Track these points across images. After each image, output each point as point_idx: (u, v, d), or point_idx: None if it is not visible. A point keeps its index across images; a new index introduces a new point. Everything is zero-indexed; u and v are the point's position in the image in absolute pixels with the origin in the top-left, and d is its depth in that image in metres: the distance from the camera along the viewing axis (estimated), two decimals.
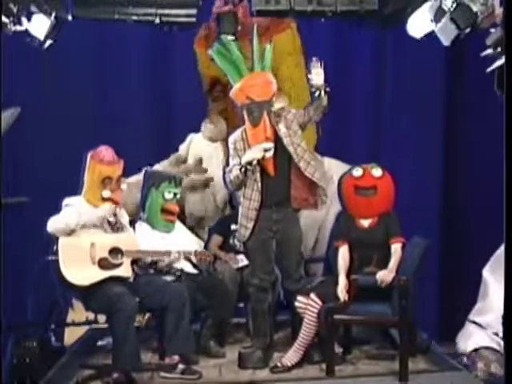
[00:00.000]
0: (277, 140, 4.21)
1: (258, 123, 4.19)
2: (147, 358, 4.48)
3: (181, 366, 4.09)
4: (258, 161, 4.19)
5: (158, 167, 5.35)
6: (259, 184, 4.24)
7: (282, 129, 4.23)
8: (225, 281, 4.67)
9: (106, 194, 4.18)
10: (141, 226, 4.65)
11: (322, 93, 4.14)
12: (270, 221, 4.26)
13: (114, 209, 4.23)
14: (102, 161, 4.19)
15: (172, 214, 4.71)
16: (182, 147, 5.64)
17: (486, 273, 4.80)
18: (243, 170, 4.19)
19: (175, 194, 4.71)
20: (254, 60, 4.24)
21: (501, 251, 4.75)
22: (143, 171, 4.92)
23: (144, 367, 4.18)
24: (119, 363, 3.97)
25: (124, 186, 4.30)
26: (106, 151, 4.23)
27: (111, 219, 4.26)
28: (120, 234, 4.24)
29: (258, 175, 4.24)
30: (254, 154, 4.19)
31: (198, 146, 5.59)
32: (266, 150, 4.17)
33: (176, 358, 4.11)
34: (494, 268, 4.74)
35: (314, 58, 4.24)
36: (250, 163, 4.17)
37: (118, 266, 4.12)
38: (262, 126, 4.19)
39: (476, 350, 4.51)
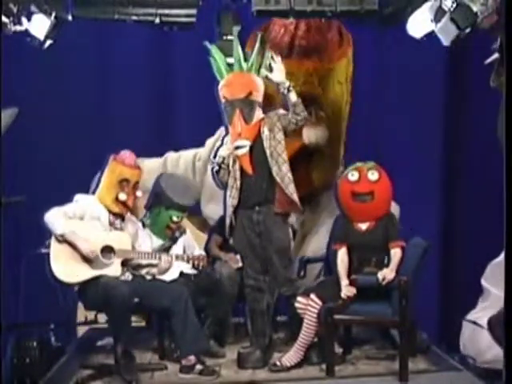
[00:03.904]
0: (258, 140, 4.25)
1: (232, 121, 4.26)
2: (147, 357, 4.50)
3: (198, 367, 4.11)
4: (236, 159, 4.24)
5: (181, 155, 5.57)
6: (238, 182, 4.27)
7: (265, 131, 4.27)
8: (222, 280, 4.66)
9: (123, 196, 4.24)
10: (143, 230, 4.63)
11: (286, 91, 4.19)
12: (251, 222, 4.27)
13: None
14: (123, 162, 4.32)
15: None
16: (208, 142, 5.66)
17: (484, 282, 4.81)
18: (216, 167, 4.28)
19: (183, 218, 4.70)
20: (234, 61, 4.34)
21: (496, 261, 4.77)
22: (159, 175, 4.89)
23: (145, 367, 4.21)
24: (120, 342, 4.04)
25: (139, 194, 4.33)
26: (129, 154, 4.36)
27: (116, 221, 4.28)
28: (114, 233, 4.25)
29: (237, 173, 4.28)
30: (222, 151, 4.33)
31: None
32: (238, 148, 4.20)
33: (192, 358, 4.12)
34: (491, 276, 4.75)
35: (272, 54, 4.30)
36: (223, 161, 4.26)
37: (109, 265, 4.14)
38: (234, 124, 4.25)
39: None
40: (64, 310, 5.13)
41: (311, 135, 5.18)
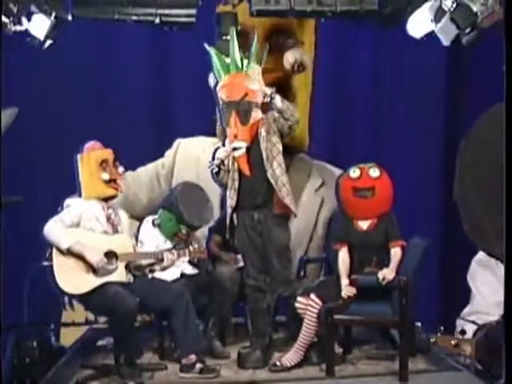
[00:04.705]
0: (256, 141, 4.26)
1: (229, 122, 4.26)
2: (147, 358, 4.49)
3: (198, 366, 4.10)
4: (234, 160, 4.25)
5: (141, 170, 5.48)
6: (236, 183, 4.28)
7: (262, 132, 4.28)
8: (223, 280, 4.66)
9: (106, 176, 4.24)
10: (152, 228, 4.64)
11: (269, 98, 4.19)
12: (252, 220, 4.28)
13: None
14: (93, 149, 4.31)
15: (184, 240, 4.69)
16: (168, 153, 5.65)
17: (468, 278, 4.84)
18: (216, 169, 4.27)
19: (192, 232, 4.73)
20: (231, 62, 4.32)
21: (477, 257, 4.79)
22: (179, 183, 4.90)
23: (145, 367, 4.21)
24: (123, 350, 4.04)
25: (122, 169, 4.35)
26: (94, 142, 4.35)
27: (113, 217, 4.28)
28: (114, 236, 4.24)
29: (235, 174, 4.29)
30: (220, 153, 4.31)
31: (186, 151, 5.59)
32: (235, 149, 4.20)
33: (193, 357, 4.11)
34: (472, 273, 4.78)
35: (256, 66, 4.31)
36: (222, 163, 4.26)
37: (113, 271, 4.13)
38: (230, 125, 4.25)
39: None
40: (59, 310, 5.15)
41: (295, 53, 5.05)
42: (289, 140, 5.07)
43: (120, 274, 4.14)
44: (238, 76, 4.31)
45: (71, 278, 4.05)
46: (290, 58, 5.05)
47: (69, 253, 4.04)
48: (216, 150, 4.49)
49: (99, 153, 4.29)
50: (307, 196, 5.46)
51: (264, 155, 4.24)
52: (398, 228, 4.31)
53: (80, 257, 4.05)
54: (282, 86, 5.07)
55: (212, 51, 4.39)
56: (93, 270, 4.07)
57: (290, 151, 5.34)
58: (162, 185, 5.62)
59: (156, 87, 6.15)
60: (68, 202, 4.25)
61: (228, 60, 4.36)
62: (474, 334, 4.35)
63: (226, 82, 4.31)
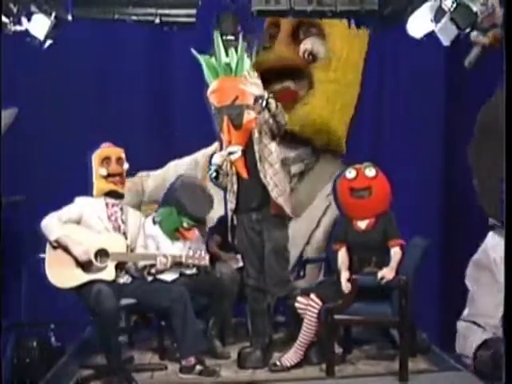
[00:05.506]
0: (251, 144, 4.27)
1: (222, 127, 4.27)
2: (147, 358, 4.50)
3: (198, 368, 4.11)
4: (232, 164, 4.26)
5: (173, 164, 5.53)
6: (235, 186, 4.30)
7: (255, 134, 4.29)
8: (222, 280, 4.65)
9: (103, 171, 4.29)
10: (153, 227, 4.62)
11: (264, 103, 4.14)
12: (251, 221, 4.29)
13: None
14: (101, 148, 4.41)
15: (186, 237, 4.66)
16: (203, 151, 5.67)
17: (467, 281, 4.83)
18: (214, 174, 4.27)
19: (194, 225, 4.69)
20: (219, 66, 4.35)
21: (474, 258, 4.78)
22: (178, 176, 4.90)
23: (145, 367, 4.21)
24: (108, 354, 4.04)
25: (126, 166, 4.37)
26: (104, 143, 4.44)
27: (117, 215, 4.28)
28: (110, 235, 4.25)
29: (234, 178, 4.31)
30: (215, 158, 4.32)
31: None
32: (230, 153, 4.20)
33: (192, 359, 4.11)
34: (472, 274, 4.77)
35: (249, 71, 4.33)
36: (220, 167, 4.27)
37: (102, 268, 4.13)
38: (224, 130, 4.27)
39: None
40: (64, 310, 5.14)
41: (308, 42, 5.33)
42: (322, 141, 5.30)
43: (109, 273, 4.15)
44: (227, 80, 4.31)
45: (59, 272, 4.10)
46: (302, 46, 5.33)
47: (59, 246, 4.08)
48: (212, 155, 4.49)
49: (102, 151, 4.36)
50: (318, 200, 5.48)
51: (257, 156, 4.24)
52: (397, 227, 4.32)
53: (69, 251, 4.08)
54: (300, 73, 5.16)
55: (200, 57, 4.39)
56: (81, 265, 4.09)
57: (316, 153, 5.43)
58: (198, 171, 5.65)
59: (156, 87, 6.14)
60: (77, 200, 4.31)
61: (227, 59, 4.36)
62: (478, 348, 4.33)
63: (215, 87, 4.32)
